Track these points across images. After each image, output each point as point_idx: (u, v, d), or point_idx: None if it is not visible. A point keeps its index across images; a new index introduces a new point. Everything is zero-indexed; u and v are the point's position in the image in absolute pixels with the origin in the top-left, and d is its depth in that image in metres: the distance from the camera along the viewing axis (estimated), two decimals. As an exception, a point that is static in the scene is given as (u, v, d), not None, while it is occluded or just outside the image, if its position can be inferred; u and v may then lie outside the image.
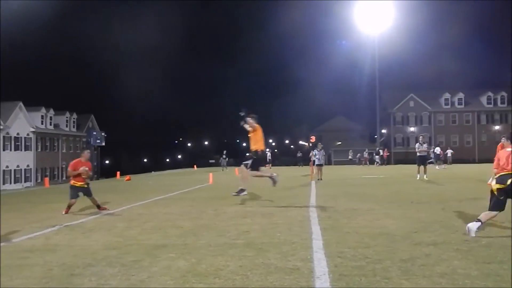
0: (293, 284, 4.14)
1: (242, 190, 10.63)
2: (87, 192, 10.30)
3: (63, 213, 9.85)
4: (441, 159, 36.36)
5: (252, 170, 10.30)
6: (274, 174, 10.55)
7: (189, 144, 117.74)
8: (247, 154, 10.51)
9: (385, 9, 48.67)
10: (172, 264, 5.02)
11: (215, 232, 6.99)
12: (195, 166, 48.32)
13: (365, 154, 47.72)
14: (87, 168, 10.24)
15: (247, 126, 10.33)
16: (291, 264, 4.83)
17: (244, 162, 10.46)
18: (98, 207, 10.24)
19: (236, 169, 33.97)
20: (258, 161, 10.39)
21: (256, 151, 10.27)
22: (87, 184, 10.37)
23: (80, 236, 7.10)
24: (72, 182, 10.29)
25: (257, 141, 10.32)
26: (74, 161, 10.47)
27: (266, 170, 10.15)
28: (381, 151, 48.61)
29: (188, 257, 5.30)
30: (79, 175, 10.17)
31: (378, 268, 4.57)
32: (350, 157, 55.13)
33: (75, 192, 10.15)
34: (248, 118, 10.20)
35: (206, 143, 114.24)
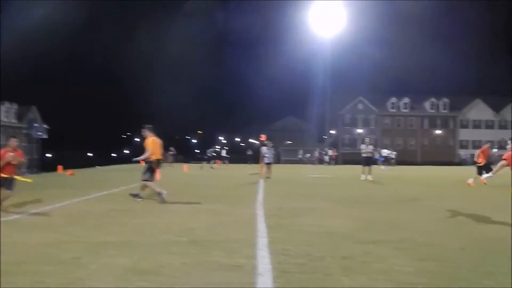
0: (235, 281, 4.14)
1: (136, 195, 10.96)
2: (9, 185, 9.01)
3: None
4: (391, 161, 37.52)
5: (144, 179, 10.84)
6: (164, 192, 10.63)
7: (137, 139, 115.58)
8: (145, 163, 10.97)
9: (338, 11, 49.52)
10: (112, 261, 4.90)
11: (159, 229, 6.89)
12: (142, 162, 47.47)
13: (316, 154, 48.57)
14: (12, 154, 9.01)
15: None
16: (235, 262, 4.83)
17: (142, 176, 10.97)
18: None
19: (184, 165, 33.68)
20: (151, 169, 10.86)
21: (149, 160, 10.80)
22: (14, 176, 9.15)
23: (14, 233, 6.79)
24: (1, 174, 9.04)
25: (149, 150, 10.80)
26: (1, 151, 9.20)
27: (156, 184, 10.87)
28: (330, 151, 49.59)
29: (130, 255, 5.19)
30: (8, 164, 8.95)
31: (320, 265, 4.65)
32: (299, 156, 55.89)
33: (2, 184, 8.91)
34: (143, 129, 11.04)
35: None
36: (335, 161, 47.41)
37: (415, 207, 9.89)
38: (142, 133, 11.13)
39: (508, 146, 13.20)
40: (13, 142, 9.42)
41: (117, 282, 4.17)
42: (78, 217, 8.18)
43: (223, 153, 37.34)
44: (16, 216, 8.27)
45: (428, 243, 5.84)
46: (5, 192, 8.91)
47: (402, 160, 47.52)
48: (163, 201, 10.37)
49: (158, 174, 11.14)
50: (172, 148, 40.22)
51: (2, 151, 9.19)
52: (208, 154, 35.43)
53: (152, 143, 10.85)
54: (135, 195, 10.96)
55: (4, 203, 8.98)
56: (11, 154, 8.99)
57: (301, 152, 57.09)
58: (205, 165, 33.75)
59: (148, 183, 10.84)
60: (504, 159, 13.07)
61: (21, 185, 9.99)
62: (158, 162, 11.10)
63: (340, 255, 5.11)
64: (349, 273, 4.38)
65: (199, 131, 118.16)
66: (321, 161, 47.20)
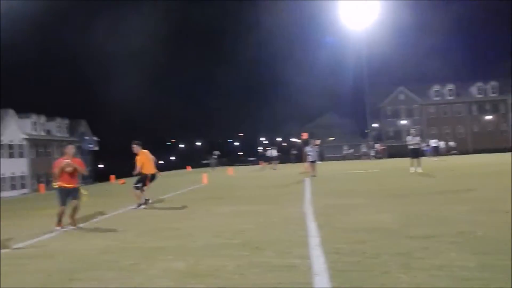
0: (291, 282, 4.16)
1: (140, 204, 11.24)
2: (75, 194, 8.55)
3: (56, 227, 8.26)
4: (438, 151, 36.48)
5: (136, 189, 11.28)
6: (143, 205, 11.13)
7: (181, 145, 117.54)
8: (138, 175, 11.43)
9: (370, 4, 48.65)
10: (170, 266, 5.03)
11: (211, 233, 7.00)
12: (189, 167, 48.18)
13: (364, 149, 47.93)
14: (67, 161, 8.53)
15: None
16: (288, 262, 4.86)
17: (134, 184, 11.53)
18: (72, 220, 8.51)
19: (229, 168, 33.96)
20: (142, 181, 11.31)
21: (140, 173, 11.31)
22: (78, 185, 8.72)
23: (77, 241, 7.09)
24: (58, 184, 8.54)
25: (140, 164, 11.31)
26: (57, 160, 8.83)
27: (141, 195, 11.28)
28: (377, 145, 48.81)
29: (186, 259, 5.30)
30: (66, 173, 8.48)
31: (376, 263, 4.61)
32: (345, 152, 55.22)
33: (63, 196, 8.48)
34: (133, 145, 11.53)
35: (198, 143, 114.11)
36: (383, 155, 46.47)
37: (468, 198, 9.60)
38: (132, 149, 11.56)
39: None
40: (70, 148, 8.87)
41: (176, 285, 4.28)
42: (134, 224, 8.43)
43: (274, 153, 36.60)
44: (78, 225, 8.57)
45: (486, 236, 5.65)
46: (73, 202, 8.49)
47: (452, 149, 46.07)
48: (139, 205, 11.09)
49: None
50: (216, 152, 40.58)
51: (59, 160, 8.75)
52: (268, 155, 35.09)
53: (141, 159, 11.38)
54: (139, 205, 11.20)
55: (74, 215, 8.59)
56: (66, 161, 8.52)
57: (345, 148, 56.41)
58: (267, 165, 33.42)
59: (137, 191, 11.30)
60: None
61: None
62: (152, 177, 11.61)
63: (395, 251, 5.03)
64: (408, 270, 4.30)
65: (239, 133, 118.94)
66: (368, 156, 46.40)
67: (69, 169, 8.48)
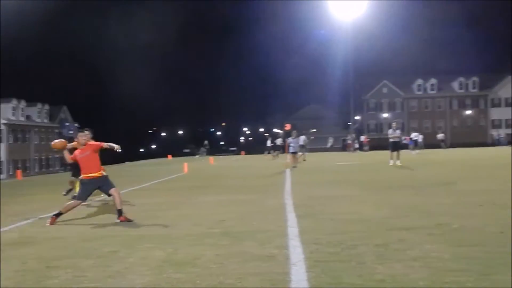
0: (269, 272, 4.18)
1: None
2: (105, 185, 7.43)
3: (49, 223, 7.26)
4: (419, 144, 36.91)
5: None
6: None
7: (163, 134, 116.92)
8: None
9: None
10: (149, 254, 5.02)
11: (191, 222, 7.00)
12: (170, 155, 47.94)
13: (349, 141, 48.20)
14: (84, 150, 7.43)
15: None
16: (267, 252, 4.88)
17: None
18: (119, 213, 7.33)
19: (210, 158, 33.89)
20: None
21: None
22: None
23: (55, 228, 7.01)
24: (83, 175, 7.50)
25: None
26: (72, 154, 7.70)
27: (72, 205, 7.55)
28: (362, 137, 49.23)
29: (165, 247, 5.29)
30: (85, 162, 7.38)
31: (353, 254, 4.66)
32: (329, 144, 55.51)
33: (88, 189, 7.47)
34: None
35: (180, 132, 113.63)
36: (368, 147, 46.76)
37: (447, 191, 9.76)
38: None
39: None
40: (82, 137, 7.58)
41: (154, 273, 4.27)
42: (114, 212, 8.35)
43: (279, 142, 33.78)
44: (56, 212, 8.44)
45: (464, 228, 5.76)
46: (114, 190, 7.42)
47: (431, 143, 46.61)
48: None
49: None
50: (206, 142, 40.40)
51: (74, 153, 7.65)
52: (278, 143, 34.46)
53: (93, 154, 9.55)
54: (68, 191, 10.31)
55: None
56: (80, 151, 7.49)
57: (330, 140, 56.73)
58: (276, 155, 32.65)
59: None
60: None
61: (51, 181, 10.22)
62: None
63: (373, 243, 5.09)
64: (384, 261, 4.36)
65: (222, 123, 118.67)
66: (352, 148, 46.65)
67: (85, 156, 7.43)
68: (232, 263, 4.53)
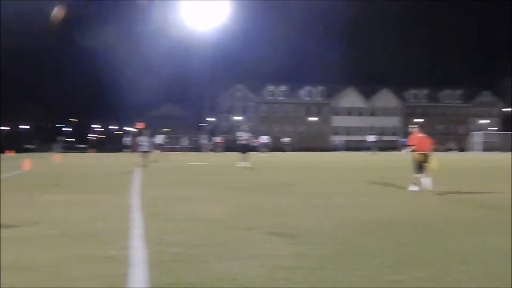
0: (107, 274, 4.02)
1: None
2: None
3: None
4: (267, 147, 38.68)
5: None
6: None
7: (3, 128, 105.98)
8: None
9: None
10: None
11: (27, 222, 6.44)
12: (11, 151, 43.53)
13: (204, 141, 48.60)
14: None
15: None
16: (107, 253, 4.70)
17: None
18: None
19: (55, 155, 31.67)
20: None
21: None
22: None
23: None
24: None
25: None
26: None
27: None
28: (217, 138, 50.02)
29: (-8, 251, 4.79)
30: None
31: (195, 253, 4.70)
32: (185, 144, 55.47)
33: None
34: None
35: (23, 127, 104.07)
36: (221, 148, 47.74)
37: (290, 192, 10.37)
38: None
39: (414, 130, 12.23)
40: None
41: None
42: None
43: (158, 140, 32.66)
44: None
45: (301, 227, 6.16)
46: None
47: (279, 147, 49.25)
48: None
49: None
50: (62, 138, 37.58)
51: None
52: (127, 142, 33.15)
53: None
54: None
55: None
56: None
57: (184, 140, 56.75)
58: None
59: None
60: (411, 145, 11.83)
61: None
62: None
63: (215, 242, 5.20)
64: (224, 259, 4.48)
65: (71, 119, 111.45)
66: (206, 149, 47.18)
67: None
68: (69, 266, 4.27)
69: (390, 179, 12.71)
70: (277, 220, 6.58)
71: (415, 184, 10.64)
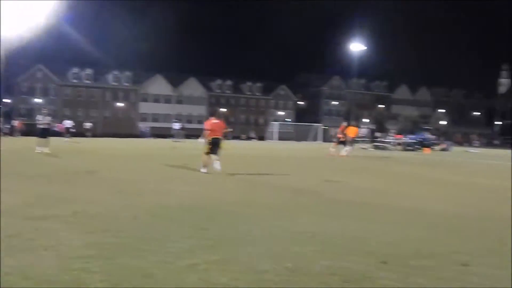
0: None
1: None
2: None
3: None
4: (70, 132, 36.21)
5: None
6: None
7: None
8: None
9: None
10: None
11: None
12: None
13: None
14: None
15: None
16: None
17: None
18: None
19: None
20: None
21: None
22: None
23: None
24: None
25: None
26: None
27: None
28: (15, 121, 45.46)
29: None
30: None
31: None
32: None
33: None
34: None
35: None
36: (19, 132, 43.18)
37: (92, 179, 10.07)
38: None
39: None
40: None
41: None
42: None
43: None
44: None
45: (100, 215, 6.08)
46: None
47: (79, 132, 46.67)
48: None
49: None
50: None
51: None
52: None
53: None
54: None
55: None
56: None
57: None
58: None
59: None
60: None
61: None
62: None
63: (5, 234, 4.85)
64: (15, 252, 4.23)
65: None
66: (1, 133, 42.03)
67: None
68: None
69: (194, 166, 13.21)
70: (76, 208, 6.39)
71: (205, 166, 11.55)
